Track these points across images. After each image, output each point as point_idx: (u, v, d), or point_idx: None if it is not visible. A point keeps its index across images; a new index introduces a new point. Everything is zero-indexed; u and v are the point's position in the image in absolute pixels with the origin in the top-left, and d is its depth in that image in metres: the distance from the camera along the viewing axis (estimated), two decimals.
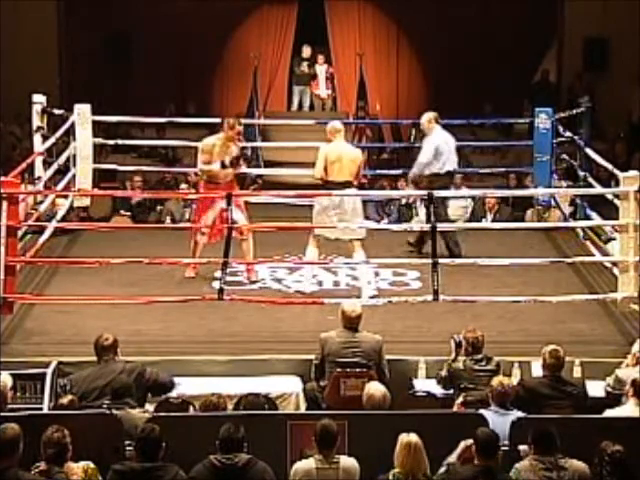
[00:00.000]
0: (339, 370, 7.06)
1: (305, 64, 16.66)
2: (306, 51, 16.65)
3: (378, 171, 13.25)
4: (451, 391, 7.05)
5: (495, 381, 6.48)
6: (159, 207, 12.42)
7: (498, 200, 12.04)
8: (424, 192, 9.13)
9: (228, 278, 8.60)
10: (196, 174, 9.38)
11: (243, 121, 13.27)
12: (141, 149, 14.25)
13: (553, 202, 11.38)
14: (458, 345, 7.12)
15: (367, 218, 12.07)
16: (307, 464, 5.70)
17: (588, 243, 10.07)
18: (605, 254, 9.68)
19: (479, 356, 7.03)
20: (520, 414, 6.32)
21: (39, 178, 10.44)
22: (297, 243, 9.45)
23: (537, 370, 7.15)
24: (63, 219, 10.53)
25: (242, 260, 9.25)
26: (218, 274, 8.52)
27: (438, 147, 10.11)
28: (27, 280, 9.07)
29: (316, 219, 9.01)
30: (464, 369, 6.99)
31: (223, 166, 9.03)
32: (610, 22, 15.48)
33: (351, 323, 7.25)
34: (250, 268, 9.40)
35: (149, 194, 12.79)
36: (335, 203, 8.89)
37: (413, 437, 5.55)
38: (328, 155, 8.95)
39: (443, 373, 7.13)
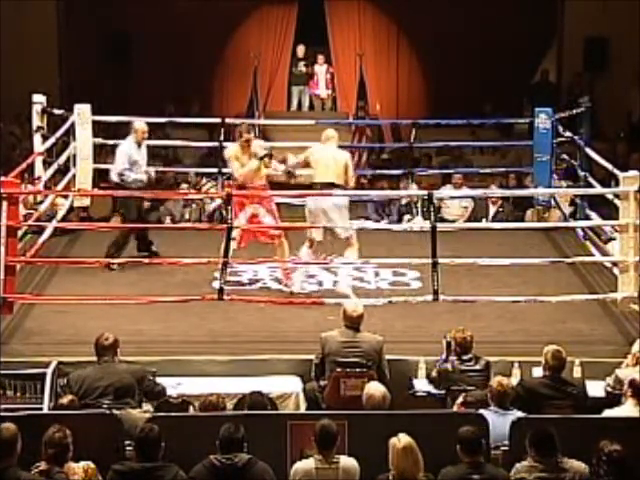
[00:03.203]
0: (339, 370, 7.07)
1: (301, 64, 16.63)
2: (300, 51, 16.63)
3: (378, 171, 13.26)
4: (443, 391, 7.07)
5: (495, 381, 6.48)
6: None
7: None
8: (424, 192, 9.14)
9: (228, 278, 8.61)
10: (229, 184, 9.25)
11: (243, 121, 13.25)
12: None
13: (553, 202, 11.37)
14: (449, 345, 7.14)
15: (367, 218, 12.08)
16: (307, 464, 5.69)
17: (588, 243, 10.07)
18: (605, 254, 9.68)
19: (467, 356, 7.06)
20: (520, 414, 6.32)
21: (39, 178, 10.45)
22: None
23: (537, 375, 7.13)
24: (63, 219, 10.53)
25: (280, 265, 9.27)
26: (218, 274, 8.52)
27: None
28: (27, 280, 9.08)
29: (308, 221, 9.02)
30: (452, 370, 7.03)
31: (260, 159, 8.88)
32: (610, 22, 15.46)
33: (352, 323, 7.26)
34: (287, 274, 9.25)
35: (149, 194, 12.75)
36: (319, 206, 8.86)
37: (404, 439, 5.49)
38: (312, 153, 9.03)
39: (433, 374, 7.18)
